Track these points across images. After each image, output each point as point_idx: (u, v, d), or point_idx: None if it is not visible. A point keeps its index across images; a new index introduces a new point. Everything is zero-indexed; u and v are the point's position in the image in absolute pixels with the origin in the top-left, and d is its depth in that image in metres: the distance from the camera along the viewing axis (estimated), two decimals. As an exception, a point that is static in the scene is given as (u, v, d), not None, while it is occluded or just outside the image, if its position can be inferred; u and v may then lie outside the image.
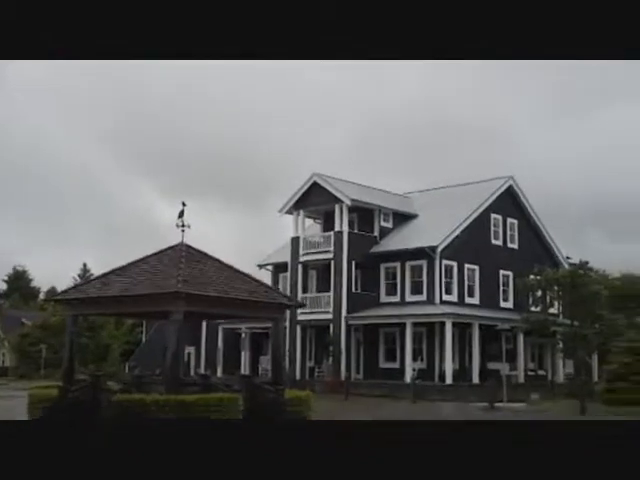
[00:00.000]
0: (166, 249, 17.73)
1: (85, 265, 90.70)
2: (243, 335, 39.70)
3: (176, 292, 14.87)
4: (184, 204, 18.01)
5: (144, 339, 49.37)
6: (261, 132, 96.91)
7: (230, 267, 18.36)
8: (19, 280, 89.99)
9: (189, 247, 17.54)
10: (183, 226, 17.90)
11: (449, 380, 31.98)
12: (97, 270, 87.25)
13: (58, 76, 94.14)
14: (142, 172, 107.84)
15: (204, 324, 43.89)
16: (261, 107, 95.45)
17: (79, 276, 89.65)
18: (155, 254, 17.53)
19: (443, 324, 32.85)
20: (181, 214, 18.03)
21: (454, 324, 32.80)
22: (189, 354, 42.54)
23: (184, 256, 16.75)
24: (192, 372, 41.14)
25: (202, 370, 43.04)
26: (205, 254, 18.05)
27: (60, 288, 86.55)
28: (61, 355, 51.18)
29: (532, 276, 34.42)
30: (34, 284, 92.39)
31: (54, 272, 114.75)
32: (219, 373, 38.97)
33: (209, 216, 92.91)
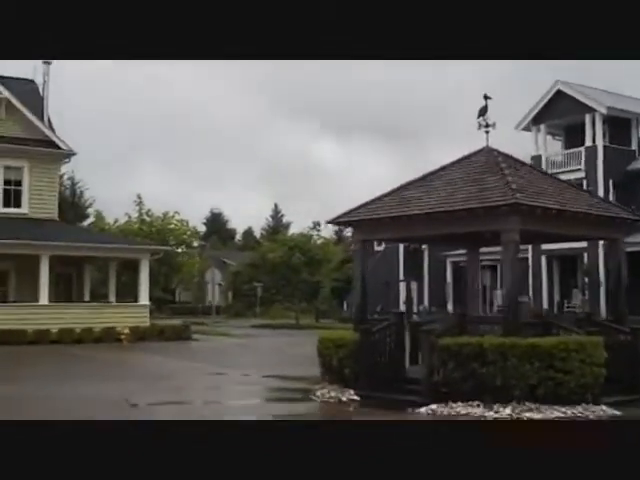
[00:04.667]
0: (467, 156, 14.15)
1: (276, 206, 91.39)
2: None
3: (515, 204, 11.30)
4: (487, 97, 14.26)
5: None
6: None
7: (550, 175, 14.53)
8: (216, 223, 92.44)
9: (497, 151, 13.87)
10: (487, 126, 14.22)
11: None
12: (286, 210, 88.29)
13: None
14: (298, 114, 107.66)
15: (426, 256, 40.83)
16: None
17: (271, 217, 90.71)
18: (456, 162, 14.04)
19: None
20: (483, 111, 14.32)
21: None
22: (412, 289, 39.64)
23: (502, 161, 13.12)
24: (415, 308, 38.46)
25: (427, 306, 40.18)
26: (517, 159, 14.32)
27: (256, 229, 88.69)
28: (273, 293, 50.74)
29: None
30: (230, 226, 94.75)
31: (245, 214, 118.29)
32: (450, 309, 35.81)
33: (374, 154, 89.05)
